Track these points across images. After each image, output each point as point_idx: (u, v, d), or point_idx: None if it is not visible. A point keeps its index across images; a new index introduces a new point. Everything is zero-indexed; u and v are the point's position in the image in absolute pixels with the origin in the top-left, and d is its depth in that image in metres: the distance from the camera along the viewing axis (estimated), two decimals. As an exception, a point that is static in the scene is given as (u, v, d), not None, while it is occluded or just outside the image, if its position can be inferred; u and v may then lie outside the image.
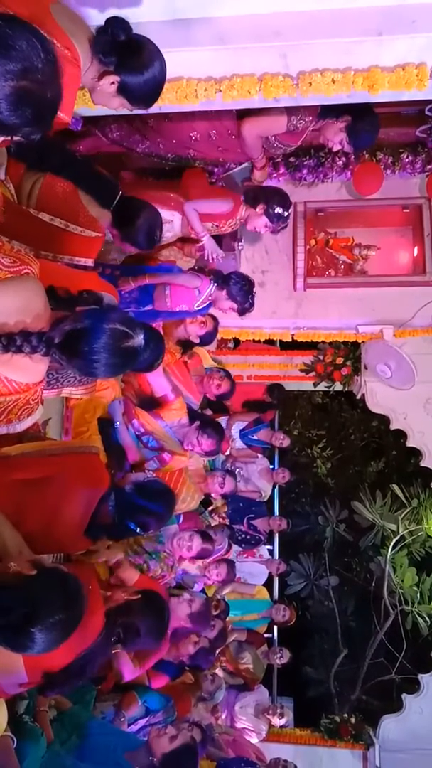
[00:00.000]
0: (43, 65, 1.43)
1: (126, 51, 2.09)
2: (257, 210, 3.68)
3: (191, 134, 3.54)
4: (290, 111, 3.37)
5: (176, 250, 4.15)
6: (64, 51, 1.88)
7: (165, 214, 3.53)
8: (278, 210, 3.66)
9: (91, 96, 2.25)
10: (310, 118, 3.43)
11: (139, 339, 1.81)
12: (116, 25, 2.08)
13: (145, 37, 2.14)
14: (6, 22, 1.41)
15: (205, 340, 4.14)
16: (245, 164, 4.07)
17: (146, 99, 2.22)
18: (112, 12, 2.15)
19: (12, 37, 1.39)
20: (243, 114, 3.45)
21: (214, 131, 3.54)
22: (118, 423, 3.57)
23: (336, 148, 3.55)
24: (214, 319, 4.05)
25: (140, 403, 3.88)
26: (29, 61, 1.40)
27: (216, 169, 4.26)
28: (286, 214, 3.72)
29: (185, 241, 4.07)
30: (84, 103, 2.74)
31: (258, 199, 3.68)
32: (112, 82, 2.12)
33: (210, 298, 3.82)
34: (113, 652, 2.67)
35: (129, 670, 3.10)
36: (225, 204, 3.73)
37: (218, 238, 4.13)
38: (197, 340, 4.07)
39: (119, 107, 2.23)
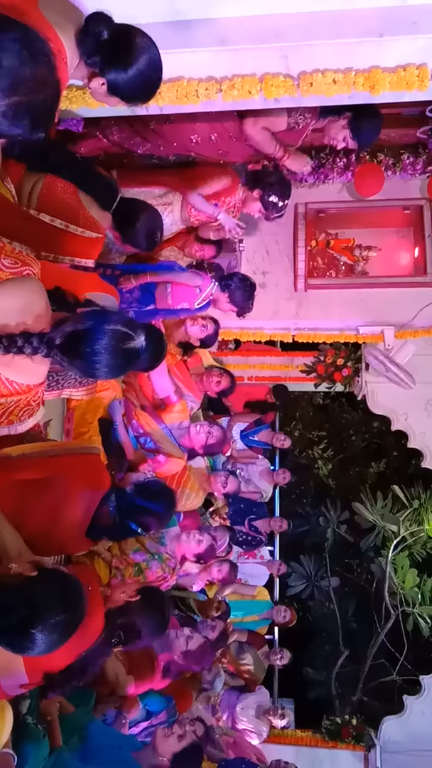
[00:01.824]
0: (33, 71, 1.40)
1: (109, 50, 1.98)
2: (254, 194, 3.69)
3: (192, 137, 3.54)
4: (290, 109, 3.36)
5: (177, 250, 4.16)
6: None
7: (165, 197, 3.53)
8: (273, 198, 3.65)
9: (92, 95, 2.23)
10: (310, 115, 3.42)
11: (140, 340, 1.81)
12: (97, 22, 1.97)
13: (133, 28, 2.02)
14: None
15: (206, 343, 4.15)
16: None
17: (137, 96, 2.11)
18: (111, 14, 2.10)
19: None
20: (243, 116, 3.45)
21: (215, 134, 3.53)
22: (117, 423, 3.57)
23: (341, 146, 3.53)
24: (215, 322, 4.05)
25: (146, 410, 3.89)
26: (17, 75, 1.37)
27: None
28: (281, 204, 3.69)
29: (188, 232, 4.06)
30: (84, 104, 2.74)
31: (257, 182, 3.67)
32: (102, 83, 2.04)
33: (210, 296, 3.82)
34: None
35: (130, 689, 3.14)
36: (223, 181, 3.73)
37: (219, 241, 4.14)
38: (197, 343, 4.07)
39: (118, 104, 2.15)
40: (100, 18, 1.97)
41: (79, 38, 1.96)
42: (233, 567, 4.66)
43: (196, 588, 4.47)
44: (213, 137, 3.52)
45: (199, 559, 3.83)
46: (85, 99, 2.72)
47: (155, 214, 3.15)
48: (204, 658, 3.61)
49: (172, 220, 3.74)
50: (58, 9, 1.92)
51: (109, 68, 2.00)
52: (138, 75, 2.01)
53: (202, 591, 4.69)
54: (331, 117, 3.43)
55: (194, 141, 3.53)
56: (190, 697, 3.93)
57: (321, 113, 3.42)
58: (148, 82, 2.07)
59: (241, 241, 4.71)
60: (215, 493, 4.58)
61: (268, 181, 3.69)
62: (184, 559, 3.81)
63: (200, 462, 4.56)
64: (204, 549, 3.74)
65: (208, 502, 4.94)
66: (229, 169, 3.85)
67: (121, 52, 1.99)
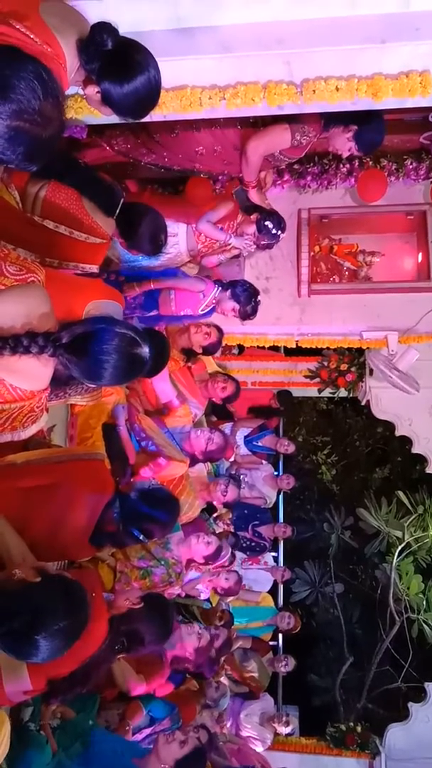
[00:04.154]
0: (41, 105, 1.42)
1: (110, 60, 1.97)
2: (251, 217, 3.87)
3: (197, 149, 3.56)
4: (294, 128, 3.38)
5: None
6: (44, 47, 1.82)
7: (170, 227, 3.55)
8: (268, 223, 3.83)
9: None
10: (314, 133, 3.44)
11: (145, 350, 1.82)
12: (102, 31, 1.97)
13: (138, 45, 2.02)
14: (5, 60, 1.41)
15: (209, 351, 4.15)
16: None
17: (129, 112, 2.10)
18: (116, 21, 2.11)
19: (9, 77, 1.39)
20: (246, 124, 3.46)
21: (219, 146, 3.56)
22: (120, 427, 3.57)
23: (346, 155, 3.55)
24: (219, 330, 4.06)
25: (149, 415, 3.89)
26: (26, 103, 1.40)
27: (221, 177, 4.28)
28: (273, 231, 3.86)
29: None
30: (89, 112, 2.75)
31: (256, 208, 3.90)
32: (97, 91, 2.04)
33: (214, 301, 3.83)
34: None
35: (138, 688, 3.14)
36: (228, 207, 3.85)
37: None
38: (200, 350, 4.08)
39: (111, 115, 2.15)
40: (106, 28, 1.98)
41: (82, 43, 1.96)
42: (240, 579, 4.67)
43: (203, 596, 4.46)
44: (217, 148, 3.55)
45: (207, 560, 3.83)
46: (90, 108, 2.73)
47: (157, 217, 3.15)
48: (210, 654, 3.63)
49: (177, 252, 3.77)
50: (60, 15, 1.93)
51: (105, 78, 2.00)
52: (134, 93, 2.01)
53: (207, 599, 4.68)
54: (334, 128, 3.43)
55: (199, 153, 3.56)
56: (194, 710, 3.92)
57: (324, 126, 3.42)
58: (143, 102, 2.07)
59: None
60: (215, 502, 4.57)
61: (265, 210, 3.92)
62: (189, 563, 3.80)
63: (202, 467, 4.54)
64: (213, 550, 3.76)
65: (211, 508, 4.92)
66: (230, 197, 3.95)
67: (122, 66, 1.99)
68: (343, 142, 3.45)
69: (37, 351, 1.65)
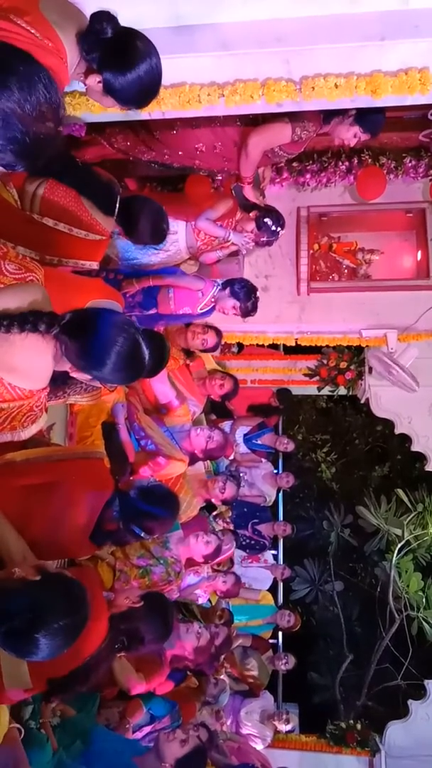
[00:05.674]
0: (34, 107, 1.44)
1: (110, 48, 1.97)
2: (251, 214, 3.88)
3: (197, 146, 3.56)
4: (294, 123, 3.37)
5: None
6: (44, 41, 1.82)
7: (170, 225, 3.55)
8: (267, 220, 3.84)
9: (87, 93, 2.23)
10: (314, 128, 3.43)
11: (144, 345, 1.82)
12: (101, 20, 1.96)
13: (138, 33, 2.01)
14: (4, 58, 1.43)
15: (208, 350, 4.15)
16: None
17: (133, 101, 2.09)
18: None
19: (7, 73, 1.41)
20: (246, 121, 3.46)
21: (219, 143, 3.55)
22: (119, 425, 3.57)
23: (353, 142, 3.49)
24: (218, 333, 4.06)
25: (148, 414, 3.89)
26: (20, 103, 1.42)
27: (220, 174, 4.28)
28: (273, 228, 3.87)
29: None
30: (87, 109, 2.75)
31: (255, 207, 3.91)
32: (99, 81, 2.02)
33: (213, 300, 3.83)
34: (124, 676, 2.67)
35: (138, 687, 3.14)
36: (227, 204, 3.86)
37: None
38: (198, 351, 4.09)
39: (113, 106, 2.14)
40: (105, 16, 1.98)
41: (82, 34, 1.96)
42: (238, 580, 4.67)
43: (201, 601, 4.46)
44: (217, 145, 3.54)
45: (207, 559, 3.83)
46: (88, 105, 2.73)
47: (155, 207, 3.13)
48: (209, 652, 3.63)
49: (177, 249, 3.77)
50: (59, 10, 1.93)
51: (107, 67, 1.98)
52: (137, 80, 1.99)
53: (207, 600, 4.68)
54: (335, 119, 3.42)
55: (199, 150, 3.56)
56: (194, 707, 3.92)
57: (325, 119, 3.41)
58: (146, 89, 2.05)
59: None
60: (213, 500, 4.56)
61: (264, 207, 3.93)
62: (189, 562, 3.80)
63: (200, 466, 4.54)
64: (212, 550, 3.76)
65: (211, 506, 4.92)
66: (229, 194, 3.98)
67: (123, 54, 1.98)
68: (346, 129, 3.41)
69: (45, 329, 1.64)
